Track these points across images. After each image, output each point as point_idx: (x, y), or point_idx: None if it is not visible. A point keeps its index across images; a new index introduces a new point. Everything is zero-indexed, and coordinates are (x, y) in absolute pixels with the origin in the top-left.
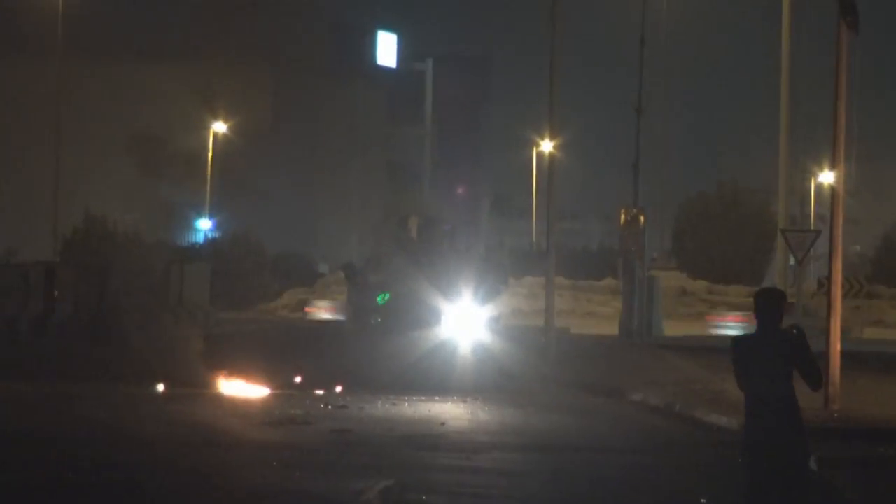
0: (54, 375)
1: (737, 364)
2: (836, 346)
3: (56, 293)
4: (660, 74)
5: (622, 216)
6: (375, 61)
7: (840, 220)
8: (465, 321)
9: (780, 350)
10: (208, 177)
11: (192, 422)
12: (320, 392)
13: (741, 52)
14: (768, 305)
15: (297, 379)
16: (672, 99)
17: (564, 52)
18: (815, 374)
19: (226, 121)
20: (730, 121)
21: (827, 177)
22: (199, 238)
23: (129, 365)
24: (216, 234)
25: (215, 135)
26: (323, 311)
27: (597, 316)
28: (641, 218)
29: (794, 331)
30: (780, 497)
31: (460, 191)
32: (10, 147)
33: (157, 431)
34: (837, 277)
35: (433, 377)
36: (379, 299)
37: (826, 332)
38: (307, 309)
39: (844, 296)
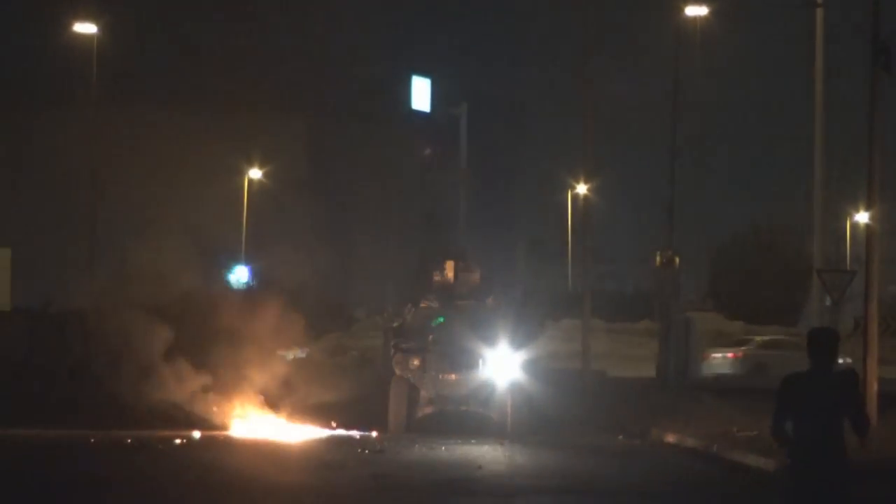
0: (93, 423)
1: (783, 403)
2: (874, 386)
3: (92, 342)
4: (696, 115)
5: (657, 258)
6: (410, 106)
7: (876, 260)
8: (503, 364)
9: (832, 392)
10: (244, 223)
11: (229, 468)
12: (357, 436)
13: (775, 92)
14: (823, 345)
15: (334, 423)
16: (708, 138)
17: (599, 94)
18: (865, 422)
19: (261, 168)
20: (764, 162)
21: (862, 217)
22: (235, 286)
23: (166, 412)
24: (253, 282)
25: (251, 181)
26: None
27: (633, 358)
28: (676, 260)
29: (849, 375)
30: None
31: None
32: (47, 195)
33: (194, 479)
34: (873, 317)
35: (471, 421)
36: (439, 319)
37: (862, 372)
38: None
39: (881, 335)
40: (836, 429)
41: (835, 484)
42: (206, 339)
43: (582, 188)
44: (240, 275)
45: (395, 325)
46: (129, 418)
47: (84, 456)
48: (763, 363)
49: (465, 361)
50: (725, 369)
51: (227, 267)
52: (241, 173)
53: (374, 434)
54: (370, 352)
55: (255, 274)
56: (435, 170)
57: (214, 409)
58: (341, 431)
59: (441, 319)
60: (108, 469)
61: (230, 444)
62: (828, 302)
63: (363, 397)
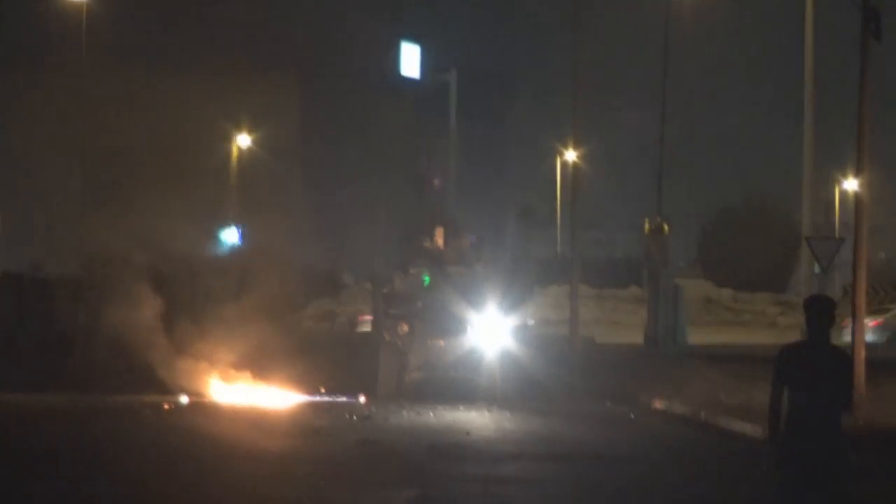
0: (83, 388)
1: (780, 373)
2: (861, 353)
3: (82, 307)
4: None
5: (646, 225)
6: (399, 72)
7: (864, 228)
8: (492, 330)
9: (829, 363)
10: (233, 188)
11: (216, 434)
12: (345, 402)
13: (766, 58)
14: (819, 313)
15: (322, 389)
16: (699, 106)
17: (587, 60)
18: (850, 397)
19: (251, 133)
20: (755, 129)
21: (851, 184)
22: (225, 250)
23: (154, 378)
24: (241, 246)
25: (240, 147)
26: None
27: (622, 325)
28: (665, 227)
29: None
30: None
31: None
32: (36, 162)
33: (180, 444)
34: (862, 285)
35: (459, 386)
36: (425, 279)
37: (851, 339)
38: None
39: (869, 303)
40: (832, 399)
41: (831, 454)
42: (196, 304)
43: (571, 155)
44: (229, 237)
45: (384, 291)
46: (116, 384)
47: (71, 421)
48: None
49: (453, 327)
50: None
51: (217, 230)
52: (230, 138)
53: (363, 400)
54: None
55: (244, 236)
56: (424, 136)
57: (203, 374)
58: (329, 397)
59: (427, 279)
60: (94, 434)
61: (218, 409)
62: (816, 269)
63: (352, 363)
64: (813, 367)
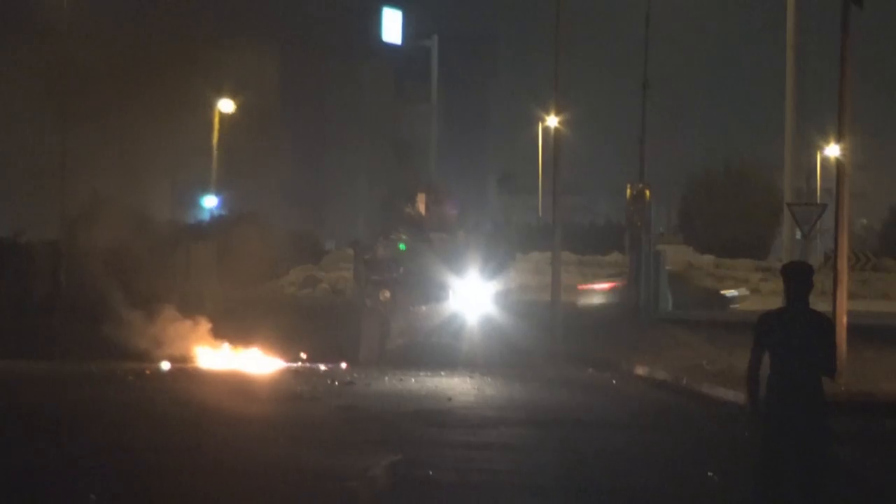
0: (63, 354)
1: (759, 339)
2: (843, 320)
3: (63, 273)
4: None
5: (628, 191)
6: (381, 38)
7: (846, 194)
8: (473, 297)
9: (807, 328)
10: (214, 155)
11: (197, 400)
12: (327, 368)
13: (749, 23)
14: (797, 279)
15: (303, 355)
16: (680, 72)
17: (570, 26)
18: (834, 362)
19: (232, 98)
20: (737, 95)
21: (832, 150)
22: (206, 216)
23: (135, 344)
24: (222, 212)
25: (221, 112)
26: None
27: None
28: (647, 193)
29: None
30: (796, 476)
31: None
32: (16, 127)
33: (164, 410)
34: (843, 251)
35: (441, 352)
36: (401, 246)
37: (832, 306)
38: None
39: (851, 269)
40: (812, 365)
41: (812, 419)
42: (178, 269)
43: (553, 121)
44: (209, 204)
45: (365, 257)
46: (98, 350)
47: (53, 386)
48: None
49: (435, 294)
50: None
51: (198, 197)
52: (211, 105)
53: (344, 366)
54: (340, 283)
55: (225, 204)
56: (406, 102)
57: (184, 340)
58: (311, 363)
59: (402, 246)
60: (74, 401)
61: (200, 375)
62: (798, 235)
63: (333, 329)
64: (792, 332)
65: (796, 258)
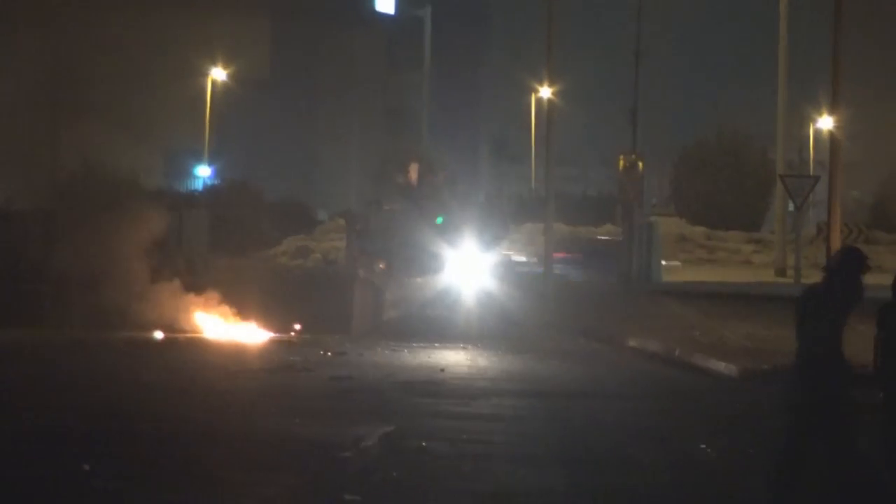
0: (53, 323)
1: (797, 313)
2: None
3: (54, 241)
4: (660, 19)
5: (621, 162)
6: (374, 7)
7: (839, 166)
8: (467, 268)
9: (839, 304)
10: (206, 123)
11: (190, 369)
12: (320, 338)
13: None
14: (846, 265)
15: (296, 325)
16: (672, 44)
17: None
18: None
19: (224, 67)
20: (730, 66)
21: (825, 122)
22: (198, 185)
23: (126, 313)
24: (215, 181)
25: (214, 81)
26: None
27: None
28: (640, 164)
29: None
30: (823, 448)
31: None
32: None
33: (154, 379)
34: (836, 222)
35: (435, 324)
36: (438, 220)
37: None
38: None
39: (843, 241)
40: (836, 337)
41: (835, 387)
42: (170, 239)
43: (546, 91)
44: (202, 174)
45: (357, 227)
46: (89, 319)
47: (46, 355)
48: None
49: (429, 265)
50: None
51: (191, 167)
52: (204, 74)
53: (337, 336)
54: (333, 254)
55: (217, 173)
56: (398, 71)
57: (177, 310)
58: (304, 334)
59: (440, 220)
60: (67, 370)
61: (193, 345)
62: (790, 207)
63: (327, 299)
64: (824, 306)
65: (788, 229)
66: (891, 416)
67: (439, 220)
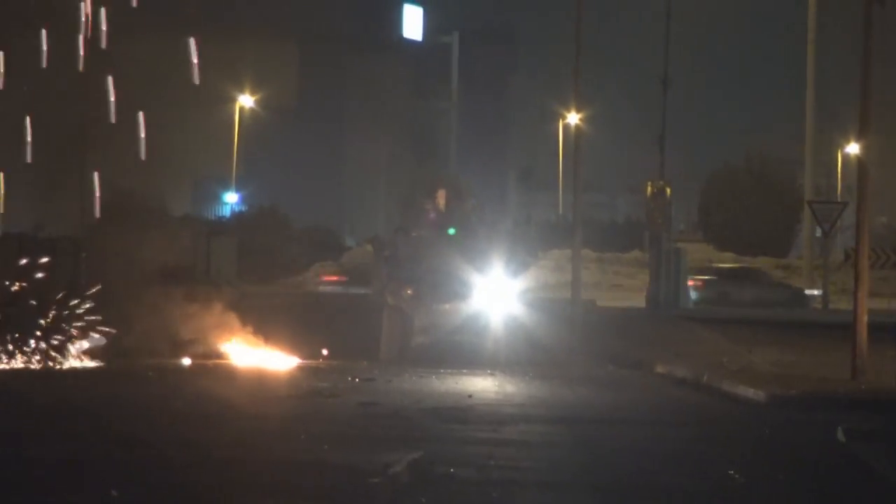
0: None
1: None
2: (863, 318)
3: (83, 267)
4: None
5: (648, 188)
6: (401, 34)
7: (867, 191)
8: (496, 294)
9: None
10: (235, 150)
11: (219, 395)
12: (348, 365)
13: (770, 20)
14: None
15: (324, 352)
16: (700, 69)
17: (590, 24)
18: None
19: (253, 94)
20: (758, 93)
21: (853, 148)
22: (226, 212)
23: (155, 339)
24: (243, 208)
25: (242, 108)
26: None
27: (623, 288)
28: (667, 190)
29: None
30: None
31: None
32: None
33: (184, 405)
34: (864, 248)
35: (463, 350)
36: (451, 231)
37: (853, 304)
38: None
39: (871, 267)
40: None
41: None
42: (198, 264)
43: (573, 118)
44: (230, 200)
45: (385, 253)
46: (117, 346)
47: (74, 382)
48: None
49: (457, 291)
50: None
51: (219, 193)
52: (232, 101)
53: (366, 363)
54: (360, 279)
55: (245, 200)
56: (426, 99)
57: (205, 336)
58: (332, 360)
59: (452, 231)
60: (94, 397)
61: (221, 371)
62: (818, 233)
63: (355, 326)
64: None
65: (816, 256)
66: None
67: (452, 231)
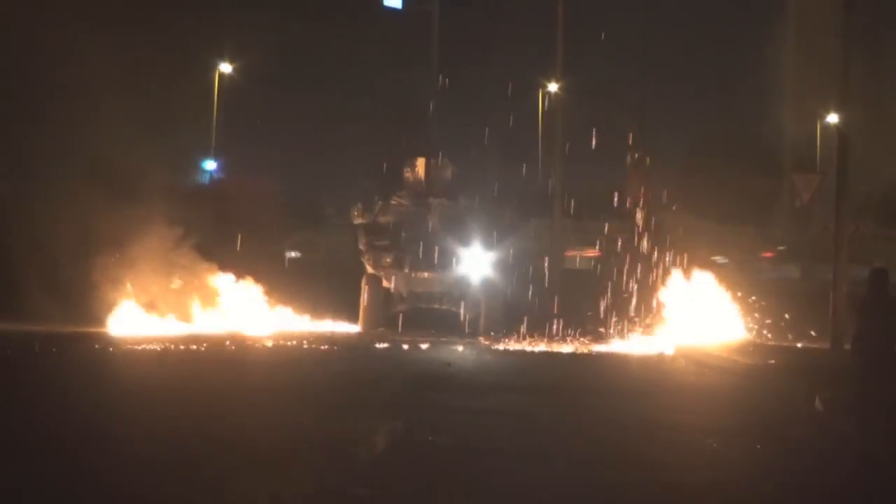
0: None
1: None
2: (842, 288)
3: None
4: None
5: (628, 158)
6: (382, 3)
7: (847, 162)
8: (474, 262)
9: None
10: (214, 118)
11: (198, 366)
12: (327, 333)
13: None
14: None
15: (304, 320)
16: (680, 41)
17: None
18: None
19: (231, 62)
20: (738, 64)
21: (832, 118)
22: (205, 180)
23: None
24: (222, 176)
25: (221, 76)
26: None
27: None
28: (647, 160)
29: None
30: None
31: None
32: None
33: (161, 375)
34: (843, 220)
35: (442, 319)
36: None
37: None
38: None
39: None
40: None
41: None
42: (174, 234)
43: (553, 87)
44: (209, 168)
45: (365, 222)
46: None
47: (22, 349)
48: None
49: (438, 260)
50: None
51: (198, 161)
52: (211, 69)
53: (345, 331)
54: (340, 248)
55: (224, 168)
56: (406, 68)
57: (183, 303)
58: (312, 328)
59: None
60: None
61: (200, 339)
62: (797, 204)
63: (335, 294)
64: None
65: (795, 227)
66: None
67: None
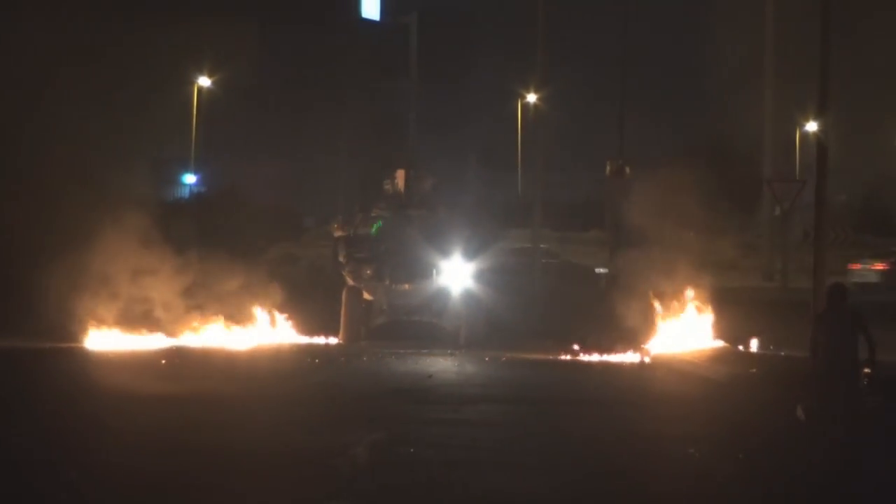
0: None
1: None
2: (823, 297)
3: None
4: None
5: (608, 167)
6: (360, 14)
7: (826, 169)
8: (455, 274)
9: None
10: (193, 131)
11: (178, 376)
12: (307, 346)
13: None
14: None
15: (284, 332)
16: (658, 49)
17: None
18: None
19: (210, 75)
20: (717, 71)
21: (812, 126)
22: (185, 193)
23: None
24: (201, 189)
25: (200, 89)
26: None
27: None
28: (627, 169)
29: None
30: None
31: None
32: None
33: (145, 389)
34: (823, 226)
35: (423, 330)
36: (373, 229)
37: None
38: None
39: (830, 245)
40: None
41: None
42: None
43: (532, 97)
44: (189, 181)
45: (344, 234)
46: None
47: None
48: None
49: (418, 271)
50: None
51: (178, 174)
52: (190, 81)
53: (325, 343)
54: (320, 261)
55: (204, 181)
56: (385, 78)
57: (167, 318)
58: (292, 341)
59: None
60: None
61: (181, 353)
62: (777, 212)
63: (315, 307)
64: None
65: (776, 234)
66: None
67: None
